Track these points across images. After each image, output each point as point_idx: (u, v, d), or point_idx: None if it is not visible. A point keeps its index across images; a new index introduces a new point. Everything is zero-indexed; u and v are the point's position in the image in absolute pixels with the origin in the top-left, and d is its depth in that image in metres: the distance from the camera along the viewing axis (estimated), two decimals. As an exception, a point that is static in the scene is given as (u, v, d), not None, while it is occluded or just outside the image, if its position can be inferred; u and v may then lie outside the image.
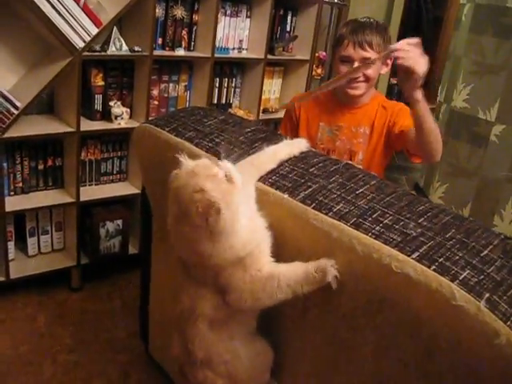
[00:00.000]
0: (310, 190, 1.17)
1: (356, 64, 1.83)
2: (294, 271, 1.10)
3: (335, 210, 1.10)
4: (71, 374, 1.96)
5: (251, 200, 1.17)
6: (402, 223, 1.05)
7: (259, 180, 1.24)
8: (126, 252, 2.57)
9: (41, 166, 2.32)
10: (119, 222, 2.48)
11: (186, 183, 1.08)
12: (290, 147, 1.33)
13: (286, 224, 1.16)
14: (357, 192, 1.16)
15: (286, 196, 1.16)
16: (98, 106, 2.35)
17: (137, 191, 2.45)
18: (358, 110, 1.98)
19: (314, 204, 1.13)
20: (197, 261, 1.14)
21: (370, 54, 1.82)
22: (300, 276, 1.09)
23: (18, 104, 2.03)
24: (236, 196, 1.07)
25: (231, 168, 1.09)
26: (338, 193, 1.15)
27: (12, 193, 2.27)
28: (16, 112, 2.03)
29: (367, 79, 1.88)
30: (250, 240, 1.11)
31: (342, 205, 1.11)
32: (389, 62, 1.89)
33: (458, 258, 0.96)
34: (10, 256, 2.30)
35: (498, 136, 2.89)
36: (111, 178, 2.53)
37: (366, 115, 1.97)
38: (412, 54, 1.49)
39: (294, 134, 2.02)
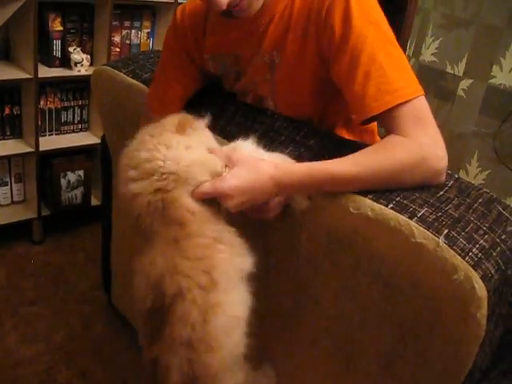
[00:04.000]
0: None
1: None
2: None
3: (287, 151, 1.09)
4: (33, 326, 1.94)
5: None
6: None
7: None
8: (89, 203, 2.53)
9: (-3, 115, 2.24)
10: (80, 172, 2.42)
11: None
12: None
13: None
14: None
15: None
16: (57, 52, 2.25)
17: (99, 141, 2.36)
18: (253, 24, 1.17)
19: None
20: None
21: None
22: None
23: (-31, 47, 1.94)
24: None
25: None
26: (286, 133, 1.13)
27: (-32, 142, 2.19)
28: (-33, 56, 1.94)
29: None
30: None
31: (291, 147, 1.09)
32: None
33: (414, 197, 0.95)
34: (-32, 208, 2.24)
35: (465, 90, 2.90)
36: (72, 127, 2.46)
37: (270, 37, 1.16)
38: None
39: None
